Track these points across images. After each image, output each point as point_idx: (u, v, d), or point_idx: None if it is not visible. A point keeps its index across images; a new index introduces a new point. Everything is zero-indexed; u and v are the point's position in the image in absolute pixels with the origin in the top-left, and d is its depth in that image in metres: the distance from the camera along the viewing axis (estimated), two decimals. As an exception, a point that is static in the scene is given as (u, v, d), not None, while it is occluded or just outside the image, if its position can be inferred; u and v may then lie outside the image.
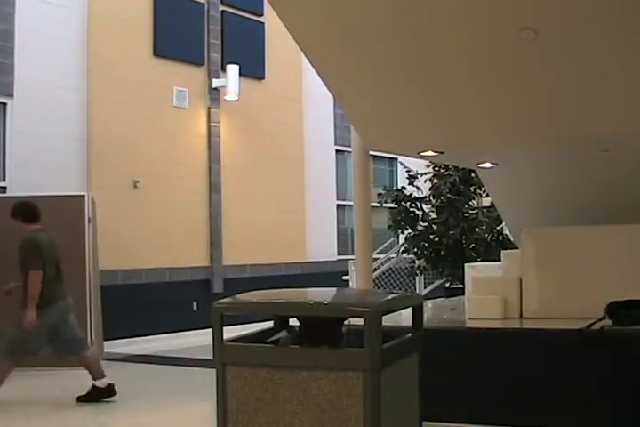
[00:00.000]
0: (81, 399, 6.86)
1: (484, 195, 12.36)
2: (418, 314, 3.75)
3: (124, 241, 10.40)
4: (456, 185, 12.10)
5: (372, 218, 7.55)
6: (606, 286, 5.50)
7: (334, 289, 4.68)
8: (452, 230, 11.82)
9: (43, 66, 9.94)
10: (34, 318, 6.50)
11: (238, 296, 3.66)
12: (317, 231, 13.74)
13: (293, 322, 3.70)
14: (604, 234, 5.85)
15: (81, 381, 8.15)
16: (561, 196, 7.02)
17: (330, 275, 13.28)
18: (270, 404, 3.22)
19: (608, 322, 5.01)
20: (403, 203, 12.19)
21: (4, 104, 9.62)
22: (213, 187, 11.88)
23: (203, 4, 11.95)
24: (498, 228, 11.91)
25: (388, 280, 13.27)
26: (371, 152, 7.25)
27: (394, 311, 3.66)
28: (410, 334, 3.66)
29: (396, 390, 3.38)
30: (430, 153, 6.32)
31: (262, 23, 12.65)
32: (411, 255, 12.76)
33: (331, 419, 3.13)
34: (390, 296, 3.89)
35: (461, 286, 10.00)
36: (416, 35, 4.93)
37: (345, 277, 12.36)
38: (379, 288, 11.98)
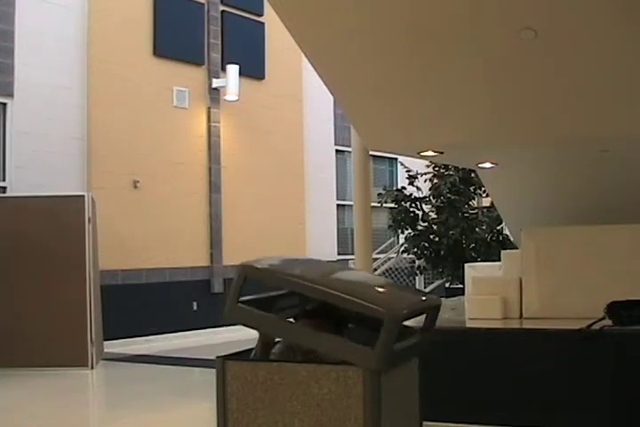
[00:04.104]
0: None
1: (483, 195, 12.38)
2: (433, 317, 3.66)
3: (124, 241, 10.41)
4: (456, 185, 12.11)
5: (372, 218, 7.56)
6: (606, 286, 5.50)
7: (364, 276, 4.36)
8: (452, 230, 11.83)
9: (43, 66, 9.94)
10: None
11: (266, 262, 3.48)
12: (317, 231, 13.74)
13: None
14: (604, 234, 5.85)
15: (80, 381, 8.17)
16: (561, 196, 7.02)
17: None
18: (270, 404, 3.21)
19: (608, 322, 5.01)
20: (403, 203, 12.21)
21: (4, 104, 9.62)
22: (213, 187, 11.88)
23: (203, 4, 11.95)
24: (498, 228, 11.92)
25: (388, 280, 13.25)
26: (371, 152, 7.26)
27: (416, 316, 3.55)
28: (418, 337, 3.60)
29: (397, 390, 3.37)
30: (430, 153, 6.32)
31: (262, 23, 12.65)
32: (411, 255, 12.76)
33: (331, 419, 3.13)
34: (419, 300, 3.67)
35: (461, 286, 10.01)
36: (416, 35, 4.93)
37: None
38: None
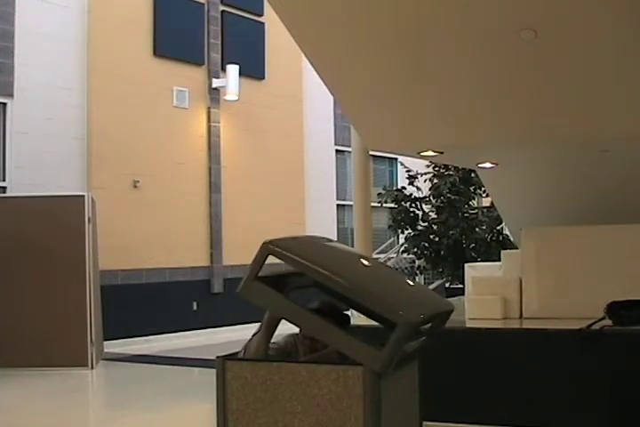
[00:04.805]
0: None
1: (483, 195, 12.38)
2: (443, 322, 3.63)
3: (124, 241, 10.40)
4: (456, 185, 12.11)
5: (372, 218, 7.56)
6: (606, 286, 5.50)
7: (388, 273, 4.16)
8: (452, 230, 11.83)
9: (43, 66, 9.94)
10: None
11: (291, 244, 3.41)
12: (317, 231, 13.71)
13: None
14: (604, 234, 5.85)
15: (80, 381, 8.17)
16: (561, 196, 7.02)
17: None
18: (270, 404, 3.21)
19: (608, 322, 5.01)
20: (403, 203, 12.21)
21: (4, 104, 9.62)
22: (213, 187, 11.88)
23: (203, 4, 11.94)
24: (498, 228, 11.92)
25: (388, 280, 13.25)
26: (371, 152, 7.26)
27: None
28: (424, 340, 3.56)
29: (396, 390, 3.37)
30: (430, 153, 6.33)
31: (262, 23, 12.65)
32: (411, 255, 12.76)
33: (331, 419, 3.13)
34: (438, 306, 3.56)
35: (461, 286, 10.01)
36: (416, 35, 4.93)
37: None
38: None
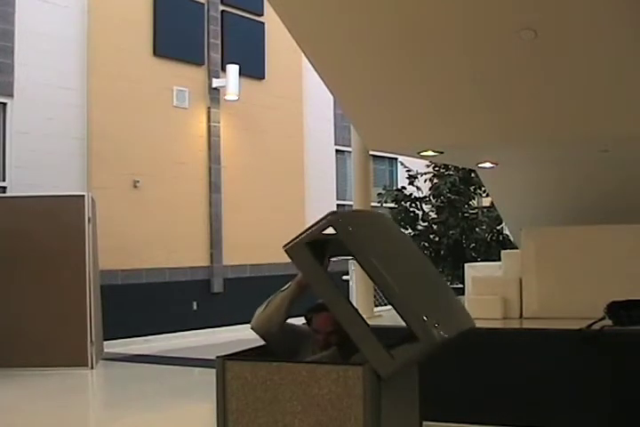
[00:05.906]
0: None
1: (484, 195, 12.38)
2: (460, 337, 3.56)
3: (124, 241, 10.39)
4: (456, 185, 12.11)
5: (372, 218, 7.54)
6: (606, 286, 5.50)
7: (435, 284, 4.08)
8: (452, 230, 11.83)
9: (43, 66, 9.93)
10: None
11: (354, 223, 3.39)
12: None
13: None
14: (604, 234, 5.85)
15: (80, 381, 8.16)
16: (561, 196, 7.02)
17: (330, 275, 13.26)
18: (270, 404, 3.21)
19: (608, 322, 5.01)
20: (403, 203, 12.21)
21: (4, 104, 9.61)
22: (213, 187, 11.87)
23: (203, 4, 11.94)
24: (498, 228, 11.93)
25: (388, 280, 13.25)
26: (371, 152, 7.25)
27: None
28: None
29: (396, 390, 3.37)
30: (430, 153, 6.33)
31: (262, 23, 12.65)
32: (411, 255, 12.74)
33: (331, 419, 3.13)
34: (464, 326, 3.57)
35: (461, 285, 10.01)
36: (416, 35, 4.93)
37: (345, 277, 12.37)
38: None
